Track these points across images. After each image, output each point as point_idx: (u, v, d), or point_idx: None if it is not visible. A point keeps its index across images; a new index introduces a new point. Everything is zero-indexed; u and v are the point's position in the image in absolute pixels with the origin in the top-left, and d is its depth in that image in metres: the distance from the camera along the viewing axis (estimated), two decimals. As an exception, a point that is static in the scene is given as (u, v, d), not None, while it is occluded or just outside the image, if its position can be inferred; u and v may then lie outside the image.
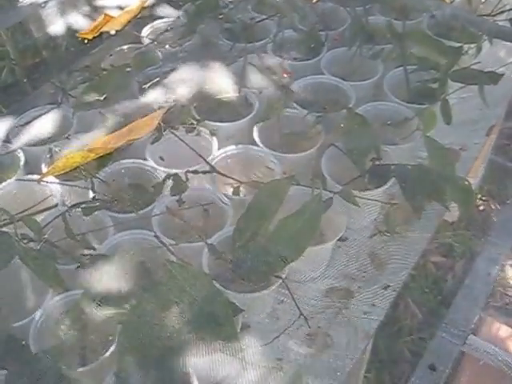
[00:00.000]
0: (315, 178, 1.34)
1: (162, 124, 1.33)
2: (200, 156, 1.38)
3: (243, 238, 1.22)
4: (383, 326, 1.31)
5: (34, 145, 1.51)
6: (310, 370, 1.24)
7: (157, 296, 1.08)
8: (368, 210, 1.46)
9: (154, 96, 1.51)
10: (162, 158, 1.44)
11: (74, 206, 1.27)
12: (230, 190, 1.40)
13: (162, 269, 1.17)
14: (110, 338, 1.15)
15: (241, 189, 1.41)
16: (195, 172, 1.35)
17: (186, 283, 1.10)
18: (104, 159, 1.36)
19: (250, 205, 1.25)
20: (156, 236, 1.20)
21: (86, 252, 1.25)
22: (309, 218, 1.22)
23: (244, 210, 1.26)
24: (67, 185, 1.33)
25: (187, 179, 1.30)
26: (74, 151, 1.25)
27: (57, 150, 1.43)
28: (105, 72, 1.66)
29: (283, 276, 1.21)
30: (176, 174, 1.31)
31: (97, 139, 1.33)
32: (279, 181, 1.31)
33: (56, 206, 1.34)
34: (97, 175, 1.31)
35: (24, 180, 1.38)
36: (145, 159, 1.45)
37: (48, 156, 1.45)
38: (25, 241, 1.18)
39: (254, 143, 1.49)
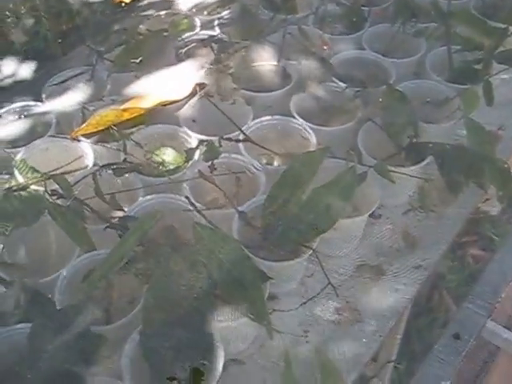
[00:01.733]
0: (351, 151, 1.30)
1: (198, 89, 1.30)
2: (235, 124, 1.36)
3: (275, 205, 1.20)
4: (416, 315, 1.28)
5: (67, 105, 1.48)
6: (336, 344, 1.21)
7: (185, 257, 1.06)
8: (403, 187, 1.43)
9: (190, 62, 1.47)
10: (194, 121, 1.40)
11: (104, 166, 1.25)
12: (263, 160, 1.37)
13: (191, 231, 1.15)
14: (135, 298, 1.13)
15: (274, 159, 1.37)
16: (229, 139, 1.31)
17: (214, 246, 1.08)
18: (137, 121, 1.35)
19: (284, 173, 1.24)
20: (187, 198, 1.18)
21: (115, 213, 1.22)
22: (342, 189, 1.21)
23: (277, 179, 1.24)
24: (99, 145, 1.30)
25: (221, 145, 1.27)
26: (108, 110, 1.23)
27: (90, 110, 1.40)
28: (141, 36, 1.63)
29: (313, 247, 1.17)
30: (210, 140, 1.28)
31: (131, 100, 1.30)
32: (314, 151, 1.28)
33: (87, 166, 1.32)
34: (129, 137, 1.28)
35: (57, 136, 1.36)
36: (178, 124, 1.41)
37: (81, 116, 1.42)
38: (54, 197, 1.15)
39: (290, 115, 1.45)
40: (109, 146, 1.31)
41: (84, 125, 1.28)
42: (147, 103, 1.27)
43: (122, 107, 1.26)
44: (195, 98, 1.36)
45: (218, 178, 1.30)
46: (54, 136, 1.38)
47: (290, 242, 1.19)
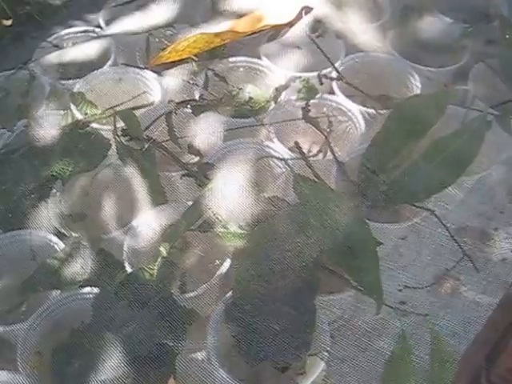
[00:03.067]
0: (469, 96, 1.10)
1: (304, 13, 1.09)
2: (328, 60, 1.16)
3: (383, 157, 1.00)
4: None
5: (129, 32, 1.28)
6: (436, 319, 1.02)
7: (289, 218, 0.87)
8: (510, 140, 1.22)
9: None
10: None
11: (181, 103, 1.05)
12: (357, 102, 1.16)
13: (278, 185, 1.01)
14: (217, 263, 0.94)
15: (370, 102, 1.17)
16: (325, 77, 1.11)
17: (324, 206, 0.88)
18: (214, 53, 1.14)
19: (394, 117, 1.03)
20: (296, 144, 0.97)
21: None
22: (469, 139, 1.01)
23: (379, 125, 1.06)
24: (176, 77, 1.10)
25: (321, 83, 1.06)
26: (195, 36, 1.03)
27: (160, 38, 1.20)
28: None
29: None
30: (306, 77, 1.08)
31: (219, 25, 1.10)
32: (437, 92, 1.07)
33: (152, 102, 1.13)
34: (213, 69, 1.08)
35: (126, 65, 1.16)
36: (259, 58, 1.21)
37: (146, 45, 1.22)
38: (125, 138, 0.96)
39: (387, 51, 1.24)
40: (185, 79, 1.10)
41: (166, 52, 1.08)
42: (244, 28, 1.06)
43: (214, 32, 1.04)
44: (301, 24, 1.14)
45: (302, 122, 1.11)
46: (121, 65, 1.17)
47: (400, 200, 0.99)
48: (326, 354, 0.81)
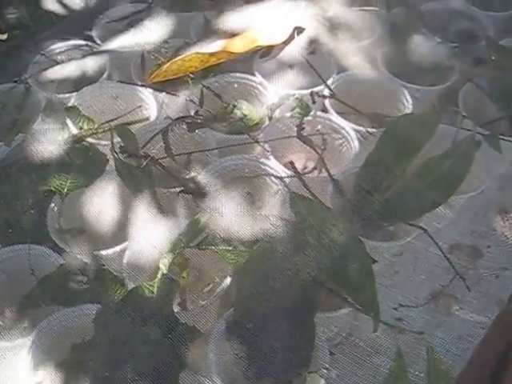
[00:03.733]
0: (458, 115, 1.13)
1: (296, 34, 1.11)
2: (320, 78, 1.18)
3: (377, 176, 1.02)
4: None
5: (123, 47, 1.29)
6: (431, 336, 1.04)
7: (286, 236, 0.88)
8: (502, 158, 1.24)
9: (271, 2, 1.28)
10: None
11: (177, 119, 1.06)
12: (349, 120, 1.19)
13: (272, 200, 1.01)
14: (217, 280, 0.95)
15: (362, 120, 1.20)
16: (317, 95, 1.13)
17: (316, 223, 0.90)
18: (209, 71, 1.16)
19: (386, 137, 1.06)
20: (291, 164, 0.99)
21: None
22: (459, 159, 1.03)
23: (371, 144, 1.08)
24: (173, 94, 1.11)
25: (314, 102, 1.08)
26: (191, 55, 1.04)
27: (152, 57, 1.21)
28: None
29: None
30: (299, 95, 1.10)
31: (213, 44, 1.11)
32: (426, 113, 1.10)
33: (148, 118, 1.15)
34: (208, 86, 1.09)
35: (122, 82, 1.17)
36: (253, 75, 1.23)
37: (141, 61, 1.23)
38: (124, 154, 0.97)
39: (378, 69, 1.27)
40: (180, 95, 1.11)
41: (162, 69, 1.09)
42: (239, 48, 1.08)
43: (209, 51, 1.06)
44: (294, 44, 1.16)
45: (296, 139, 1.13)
46: (115, 80, 1.19)
47: (394, 219, 1.01)
48: (325, 371, 0.82)
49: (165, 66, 1.11)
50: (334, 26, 1.33)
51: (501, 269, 1.16)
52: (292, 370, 0.80)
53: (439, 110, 1.19)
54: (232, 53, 1.11)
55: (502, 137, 1.16)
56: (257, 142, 1.07)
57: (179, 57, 1.12)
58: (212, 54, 1.09)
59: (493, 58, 1.25)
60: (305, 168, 1.14)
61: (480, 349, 1.00)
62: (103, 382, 0.78)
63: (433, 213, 1.12)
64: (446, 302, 1.11)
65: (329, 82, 1.23)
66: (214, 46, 1.13)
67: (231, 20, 1.24)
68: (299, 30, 1.20)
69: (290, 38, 1.18)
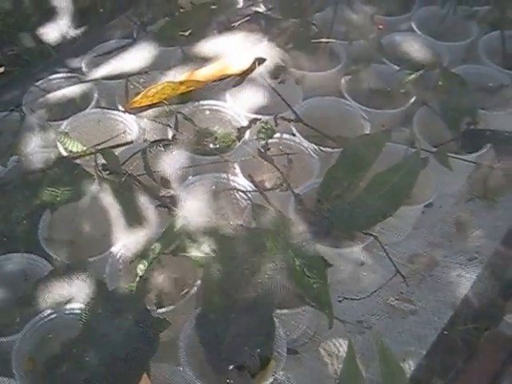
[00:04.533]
0: (410, 136, 1.25)
1: (257, 64, 1.24)
2: (286, 104, 1.30)
3: (334, 189, 1.14)
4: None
5: (110, 77, 1.42)
6: (391, 336, 1.15)
7: (244, 240, 1.00)
8: (456, 176, 1.37)
9: (242, 36, 1.41)
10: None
11: (155, 142, 1.19)
12: (314, 142, 1.31)
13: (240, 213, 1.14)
14: (189, 281, 1.07)
15: (325, 141, 1.32)
16: (283, 119, 1.26)
17: (276, 231, 1.02)
18: (183, 97, 1.29)
19: (343, 156, 1.18)
20: (250, 177, 1.12)
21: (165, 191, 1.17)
22: (406, 174, 1.15)
23: (331, 162, 1.20)
24: (151, 120, 1.24)
25: (277, 125, 1.21)
26: (163, 83, 1.17)
27: (135, 84, 1.34)
28: (182, 9, 1.57)
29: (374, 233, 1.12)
30: (265, 119, 1.22)
31: (185, 73, 1.24)
32: (376, 133, 1.23)
33: (131, 141, 1.27)
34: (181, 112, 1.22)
35: (107, 109, 1.31)
36: (224, 101, 1.36)
37: (124, 90, 1.36)
38: (106, 172, 1.10)
39: (341, 96, 1.39)
40: (158, 121, 1.24)
41: (138, 97, 1.22)
42: (205, 77, 1.21)
43: (179, 80, 1.19)
44: (255, 73, 1.29)
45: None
46: (105, 108, 1.31)
47: (350, 228, 1.13)
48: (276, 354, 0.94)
49: (141, 94, 1.23)
50: (300, 57, 1.46)
51: (455, 276, 1.27)
52: (248, 355, 0.91)
53: (394, 130, 1.30)
54: (200, 81, 1.23)
55: (455, 155, 1.27)
56: (226, 161, 1.19)
57: (153, 85, 1.25)
58: (182, 83, 1.21)
59: (440, 83, 1.36)
60: (274, 184, 1.26)
61: (472, 368, 1.10)
62: (84, 366, 0.90)
63: (394, 226, 1.25)
64: (405, 305, 1.22)
65: (296, 107, 1.34)
66: (185, 75, 1.25)
67: (204, 52, 1.37)
68: (260, 61, 1.32)
69: (252, 68, 1.30)
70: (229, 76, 1.24)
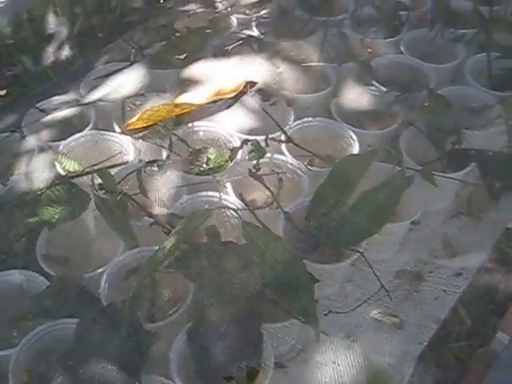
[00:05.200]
0: (396, 155, 1.29)
1: (249, 87, 1.29)
2: (277, 125, 1.35)
3: (323, 207, 1.18)
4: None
5: (107, 99, 1.47)
6: (376, 350, 1.19)
7: (235, 257, 1.04)
8: (443, 194, 1.41)
9: (235, 60, 1.46)
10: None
11: (149, 162, 1.23)
12: (304, 161, 1.35)
13: (232, 230, 1.18)
14: (182, 297, 1.11)
15: (315, 161, 1.36)
16: (273, 139, 1.30)
17: (265, 247, 1.06)
18: (179, 119, 1.33)
19: (331, 175, 1.22)
20: (240, 196, 1.16)
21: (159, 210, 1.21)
22: (391, 192, 1.19)
23: (320, 181, 1.24)
24: (146, 141, 1.29)
25: (267, 145, 1.25)
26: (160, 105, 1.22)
27: (132, 106, 1.39)
28: (179, 34, 1.63)
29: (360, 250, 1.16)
30: (255, 140, 1.27)
31: (180, 96, 1.29)
32: (363, 153, 1.27)
33: (127, 162, 1.31)
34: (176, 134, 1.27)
35: (101, 130, 1.34)
36: (218, 123, 1.40)
37: (121, 112, 1.41)
38: (102, 191, 1.14)
39: (331, 117, 1.44)
40: (153, 142, 1.29)
41: (135, 119, 1.27)
42: (199, 99, 1.26)
43: (174, 102, 1.24)
44: (247, 95, 1.34)
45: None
46: (96, 130, 1.36)
47: (337, 245, 1.17)
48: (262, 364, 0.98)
49: (137, 116, 1.28)
50: (291, 80, 1.51)
51: (440, 291, 1.30)
52: (236, 367, 0.95)
53: (382, 150, 1.34)
54: (193, 104, 1.28)
55: (440, 174, 1.31)
56: (218, 181, 1.24)
57: (149, 108, 1.29)
58: (176, 105, 1.26)
59: (426, 104, 1.41)
60: (265, 203, 1.30)
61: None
62: (78, 376, 0.94)
63: (380, 243, 1.29)
64: (391, 320, 1.26)
65: (286, 128, 1.39)
66: (179, 98, 1.30)
67: (198, 74, 1.42)
68: (251, 85, 1.37)
69: (243, 92, 1.35)
70: (221, 98, 1.28)
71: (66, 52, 1.63)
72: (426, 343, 1.21)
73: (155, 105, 1.31)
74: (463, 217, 1.41)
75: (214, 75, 1.40)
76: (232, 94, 1.31)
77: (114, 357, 0.96)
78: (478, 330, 1.27)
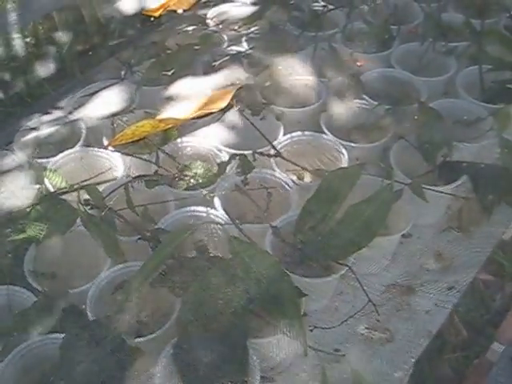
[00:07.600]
0: (386, 169, 1.29)
1: (235, 102, 1.29)
2: (266, 139, 1.35)
3: (309, 221, 1.18)
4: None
5: (97, 116, 1.47)
6: (367, 364, 1.18)
7: (222, 271, 1.04)
8: (435, 207, 1.40)
9: (223, 75, 1.47)
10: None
11: (136, 177, 1.23)
12: (293, 176, 1.35)
13: (220, 245, 1.18)
14: (167, 311, 1.11)
15: (305, 175, 1.36)
16: (261, 154, 1.30)
17: (251, 262, 1.06)
18: (168, 134, 1.34)
19: (319, 189, 1.22)
20: (225, 211, 1.16)
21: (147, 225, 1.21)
22: (379, 206, 1.18)
23: (309, 195, 1.23)
24: (132, 156, 1.29)
25: (255, 160, 1.25)
26: (145, 121, 1.23)
27: (120, 122, 1.39)
28: (169, 51, 1.63)
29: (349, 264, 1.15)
30: (243, 155, 1.27)
31: (165, 111, 1.30)
32: (351, 167, 1.27)
33: (116, 177, 1.31)
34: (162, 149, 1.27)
35: (88, 147, 1.35)
36: (209, 137, 1.41)
37: (111, 128, 1.41)
38: (88, 207, 1.14)
39: (320, 131, 1.44)
40: (141, 157, 1.29)
41: (119, 135, 1.27)
42: (183, 114, 1.26)
43: (158, 118, 1.24)
44: (232, 111, 1.34)
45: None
46: (86, 146, 1.37)
47: (325, 259, 1.16)
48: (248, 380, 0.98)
49: (122, 132, 1.29)
50: (281, 93, 1.52)
51: (431, 305, 1.30)
52: (221, 382, 0.94)
53: (371, 164, 1.34)
54: (178, 119, 1.28)
55: (431, 187, 1.31)
56: (206, 195, 1.24)
57: (134, 123, 1.30)
58: (161, 120, 1.26)
59: (416, 117, 1.41)
60: (254, 217, 1.30)
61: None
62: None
63: (370, 257, 1.28)
64: (382, 334, 1.25)
65: (275, 142, 1.39)
66: (164, 113, 1.31)
67: (186, 90, 1.42)
68: (239, 98, 1.37)
69: (230, 106, 1.35)
70: (208, 113, 1.28)
71: (57, 71, 1.64)
72: (415, 358, 1.19)
73: (140, 120, 1.31)
74: (453, 230, 1.39)
75: (201, 90, 1.40)
76: (218, 108, 1.31)
77: (97, 373, 0.95)
78: (473, 341, 1.27)
